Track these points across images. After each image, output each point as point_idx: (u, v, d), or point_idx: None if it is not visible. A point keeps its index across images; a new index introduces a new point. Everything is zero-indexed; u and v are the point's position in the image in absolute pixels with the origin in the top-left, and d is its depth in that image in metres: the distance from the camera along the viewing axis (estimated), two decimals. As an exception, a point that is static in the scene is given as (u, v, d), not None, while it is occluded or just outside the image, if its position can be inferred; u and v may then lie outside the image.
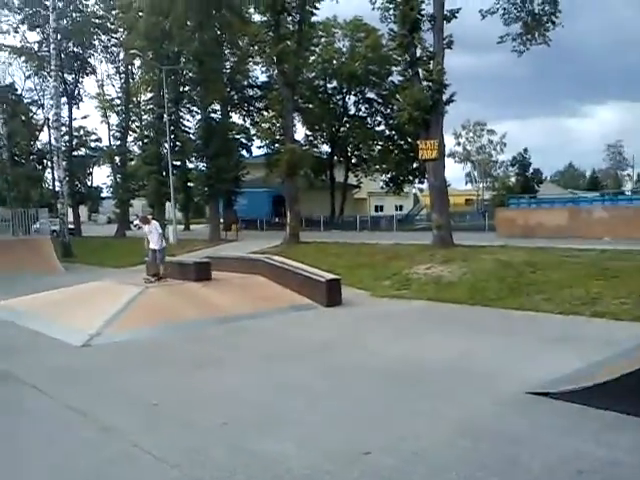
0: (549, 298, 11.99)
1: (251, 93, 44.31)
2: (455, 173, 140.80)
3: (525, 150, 57.12)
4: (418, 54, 20.31)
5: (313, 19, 28.63)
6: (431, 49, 20.18)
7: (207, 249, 24.95)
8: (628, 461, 4.81)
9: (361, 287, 15.30)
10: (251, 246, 23.84)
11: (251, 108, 44.62)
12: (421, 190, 62.13)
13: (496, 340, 9.47)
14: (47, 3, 34.12)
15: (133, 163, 42.50)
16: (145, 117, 40.62)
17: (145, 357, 9.08)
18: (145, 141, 38.03)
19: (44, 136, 47.89)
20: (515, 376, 7.21)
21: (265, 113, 44.95)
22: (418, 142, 21.02)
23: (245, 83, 42.86)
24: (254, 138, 44.42)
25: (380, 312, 12.61)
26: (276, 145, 34.95)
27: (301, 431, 5.65)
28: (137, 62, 38.58)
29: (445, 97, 20.38)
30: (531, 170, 56.75)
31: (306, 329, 11.09)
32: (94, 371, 8.29)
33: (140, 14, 32.67)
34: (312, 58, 39.91)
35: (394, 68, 38.45)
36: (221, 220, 34.47)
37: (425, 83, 20.21)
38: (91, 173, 55.43)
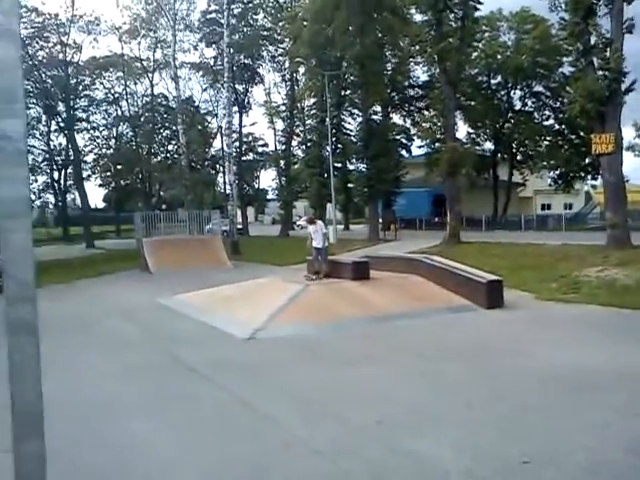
0: None
1: (412, 93, 44.22)
2: (635, 167, 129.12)
3: None
4: (592, 42, 19.05)
5: (477, 14, 27.93)
6: (607, 35, 18.76)
7: (365, 248, 25.29)
8: None
9: (525, 289, 14.57)
10: (409, 246, 23.76)
11: (411, 108, 44.51)
12: (594, 187, 57.62)
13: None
14: (222, 21, 36.70)
15: (296, 166, 44.39)
16: (308, 122, 42.31)
17: (304, 352, 9.40)
18: (308, 145, 39.53)
19: (217, 143, 51.77)
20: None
21: (426, 112, 44.56)
22: (592, 136, 19.68)
23: (406, 83, 42.86)
24: (414, 138, 44.28)
25: (545, 316, 11.92)
26: (437, 144, 34.51)
27: (457, 434, 5.51)
28: (301, 69, 40.30)
29: (624, 86, 18.84)
30: None
31: (464, 330, 10.79)
32: (257, 363, 8.73)
33: (305, 23, 34.03)
34: (475, 54, 38.82)
35: (565, 59, 36.10)
36: (380, 220, 34.72)
37: (600, 72, 18.86)
38: (258, 176, 59.00)
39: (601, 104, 18.45)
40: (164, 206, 48.42)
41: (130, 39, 46.00)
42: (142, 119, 49.80)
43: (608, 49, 18.74)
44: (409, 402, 6.56)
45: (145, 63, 47.90)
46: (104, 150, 50.80)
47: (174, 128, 45.91)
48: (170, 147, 51.26)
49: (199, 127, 48.22)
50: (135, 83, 49.28)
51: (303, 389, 7.20)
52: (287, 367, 8.45)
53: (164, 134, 51.44)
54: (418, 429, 5.66)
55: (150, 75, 48.58)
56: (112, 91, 49.03)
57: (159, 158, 51.76)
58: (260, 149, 55.30)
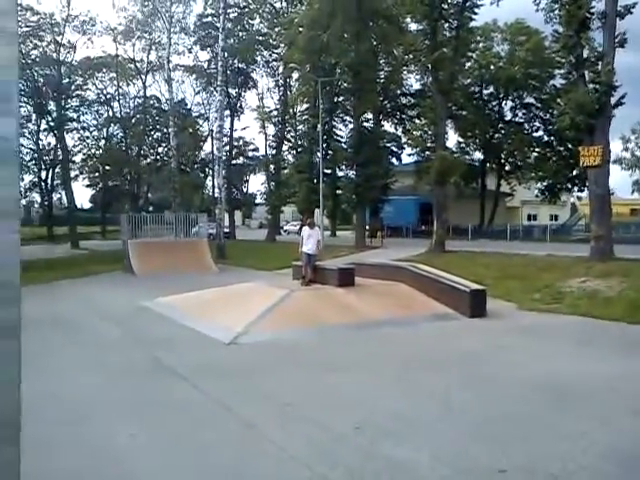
0: None
1: (404, 101, 44.40)
2: (621, 181, 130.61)
3: None
4: (584, 55, 19.23)
5: (471, 24, 28.12)
6: (599, 49, 18.99)
7: (352, 255, 25.34)
8: None
9: (508, 299, 14.66)
10: (395, 253, 23.81)
11: (403, 116, 44.67)
12: (580, 199, 58.20)
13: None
14: (217, 25, 36.72)
15: (286, 171, 44.38)
16: (300, 127, 42.37)
17: (286, 357, 9.40)
18: (299, 150, 39.59)
19: (207, 146, 51.75)
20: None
21: (417, 121, 44.78)
22: (580, 148, 19.88)
23: (398, 91, 43.03)
24: (405, 146, 44.46)
25: (527, 326, 12.00)
26: (427, 152, 34.77)
27: (436, 442, 5.54)
28: (295, 75, 40.36)
29: (613, 100, 19.05)
30: None
31: (447, 339, 10.86)
32: (238, 368, 8.73)
33: (300, 29, 34.10)
34: (468, 64, 39.12)
35: (556, 71, 36.42)
36: (367, 227, 34.81)
37: (591, 86, 19.07)
38: (247, 180, 58.95)
39: (590, 117, 18.64)
40: (151, 208, 48.21)
41: (125, 40, 45.93)
42: (133, 120, 49.65)
43: (600, 62, 18.94)
44: (389, 409, 6.58)
45: (139, 64, 47.85)
46: (93, 150, 50.64)
47: (165, 130, 45.87)
48: (160, 149, 51.21)
49: (190, 130, 48.14)
50: (128, 84, 49.21)
51: (283, 394, 7.20)
52: (268, 372, 8.44)
53: (155, 136, 51.32)
54: (397, 436, 5.68)
55: (143, 77, 48.53)
56: (104, 92, 48.97)
57: (149, 160, 51.61)
58: (250, 153, 55.33)
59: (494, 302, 13.84)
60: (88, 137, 49.52)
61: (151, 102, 50.09)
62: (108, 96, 49.10)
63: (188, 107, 50.14)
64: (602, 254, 18.16)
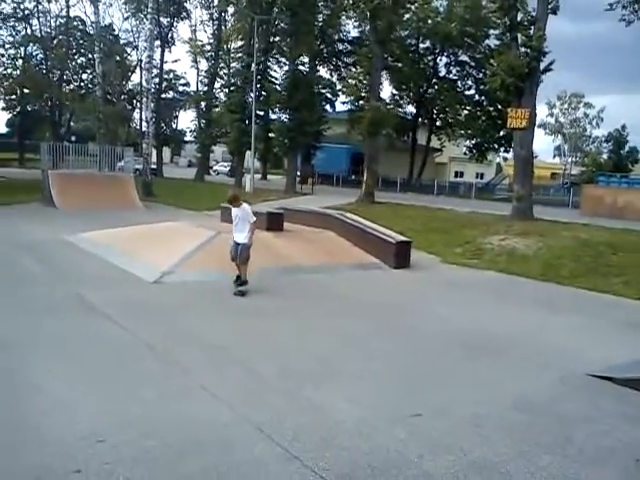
0: (628, 282, 11.48)
1: (341, 47, 43.66)
2: (544, 145, 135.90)
3: (623, 127, 54.26)
4: (519, 18, 19.41)
5: (413, -24, 27.64)
6: (533, 13, 19.21)
7: (282, 200, 25.23)
8: (691, 457, 4.61)
9: (432, 252, 15.10)
10: (325, 201, 23.91)
11: (339, 63, 44.06)
12: (505, 159, 60.18)
13: (565, 319, 9.19)
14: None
15: (218, 110, 43.19)
16: (233, 65, 41.05)
17: (212, 299, 9.36)
18: (231, 89, 38.45)
19: (135, 77, 49.46)
20: (581, 357, 7.01)
21: (353, 69, 44.29)
22: (508, 110, 20.32)
23: (336, 37, 42.26)
24: (339, 93, 43.99)
25: (447, 279, 12.45)
26: (360, 102, 34.55)
27: (356, 386, 5.72)
28: (231, 9, 38.80)
29: (542, 65, 19.48)
30: (627, 148, 53.81)
31: (371, 288, 11.11)
32: (162, 307, 8.63)
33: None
34: (407, 16, 38.72)
35: (492, 31, 36.75)
36: (298, 173, 34.65)
37: (523, 49, 19.35)
38: (177, 116, 57.04)
39: (520, 80, 19.02)
40: (74, 138, 45.82)
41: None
42: (55, 42, 46.49)
43: (532, 27, 19.22)
44: (313, 354, 6.72)
45: (62, -21, 44.42)
46: (10, 70, 47.22)
47: (90, 56, 43.32)
48: (85, 76, 48.59)
49: (117, 58, 45.60)
50: (49, 1, 45.71)
51: (208, 336, 7.20)
52: (193, 313, 8.40)
53: (79, 61, 48.49)
54: (319, 380, 5.81)
55: (66, -7, 45.20)
56: (22, 6, 45.23)
57: (72, 86, 48.81)
58: (181, 88, 53.50)
59: (418, 254, 14.23)
60: (3, 55, 46.17)
61: (75, 23, 46.98)
62: (26, 12, 45.44)
63: (116, 33, 47.53)
64: (522, 214, 18.91)
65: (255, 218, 9.52)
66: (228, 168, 52.10)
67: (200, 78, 45.22)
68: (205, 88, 43.78)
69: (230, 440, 4.44)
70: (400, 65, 42.12)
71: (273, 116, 38.70)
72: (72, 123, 54.21)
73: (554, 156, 73.63)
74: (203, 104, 43.76)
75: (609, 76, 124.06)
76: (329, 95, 42.74)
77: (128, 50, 48.97)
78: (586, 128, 68.39)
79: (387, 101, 39.66)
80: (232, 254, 9.60)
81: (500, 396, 5.70)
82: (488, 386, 5.99)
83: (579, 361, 6.78)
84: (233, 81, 38.53)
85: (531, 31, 19.19)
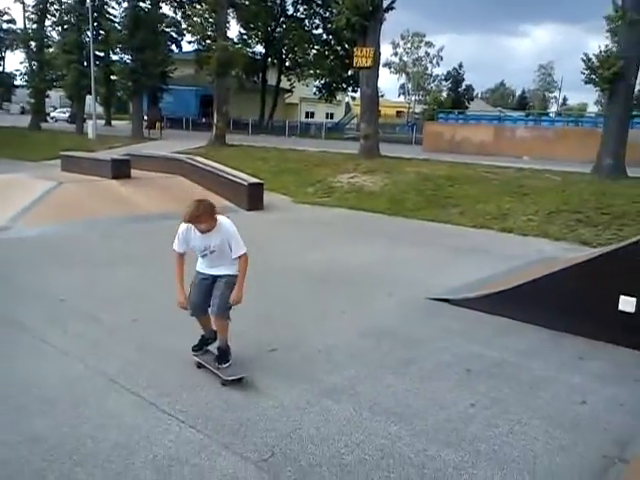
0: (463, 212, 12.45)
1: (184, -18, 41.55)
2: (389, 84, 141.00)
3: (460, 65, 57.39)
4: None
5: None
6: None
7: (129, 146, 24.09)
8: (512, 361, 5.22)
9: (284, 193, 15.31)
10: (175, 146, 23.17)
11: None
12: (353, 99, 61.41)
13: (409, 249, 9.81)
14: None
15: (51, 50, 39.57)
16: (65, 0, 37.60)
17: (56, 253, 8.85)
18: (65, 27, 35.42)
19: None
20: (423, 283, 7.57)
21: (198, 6, 42.36)
22: (354, 49, 20.63)
23: (178, -29, 40.05)
24: (185, 33, 42.04)
25: (301, 218, 12.73)
26: (207, 41, 33.39)
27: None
28: None
29: (385, 3, 19.88)
30: (464, 86, 57.14)
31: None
32: (1, 265, 8.03)
33: None
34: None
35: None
36: (145, 117, 33.12)
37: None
38: (2, 57, 51.61)
39: (365, 18, 19.33)
40: None
41: None
42: None
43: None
44: (165, 302, 6.59)
45: None
46: None
47: None
48: None
49: None
50: None
51: (54, 290, 6.83)
52: (36, 268, 7.90)
53: None
54: (169, 327, 5.75)
55: None
56: None
57: None
58: (5, 25, 48.24)
59: (271, 195, 14.37)
60: None
61: None
62: None
63: None
64: (369, 152, 19.60)
65: (246, 249, 4.69)
66: (67, 114, 48.47)
67: (27, 14, 40.96)
68: (34, 26, 39.78)
69: (82, 395, 4.31)
70: (247, 2, 40.99)
71: (114, 57, 36.28)
72: None
73: (399, 95, 76.62)
74: (33, 44, 39.85)
75: (447, 16, 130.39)
76: (174, 34, 40.84)
77: None
78: (427, 67, 71.65)
79: (235, 40, 38.69)
80: (194, 300, 4.78)
81: (348, 325, 6.02)
82: (337, 317, 6.30)
83: (420, 287, 7.33)
84: (66, 18, 35.45)
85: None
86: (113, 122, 44.30)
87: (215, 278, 4.74)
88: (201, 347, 4.98)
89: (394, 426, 3.99)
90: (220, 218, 4.60)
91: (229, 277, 4.67)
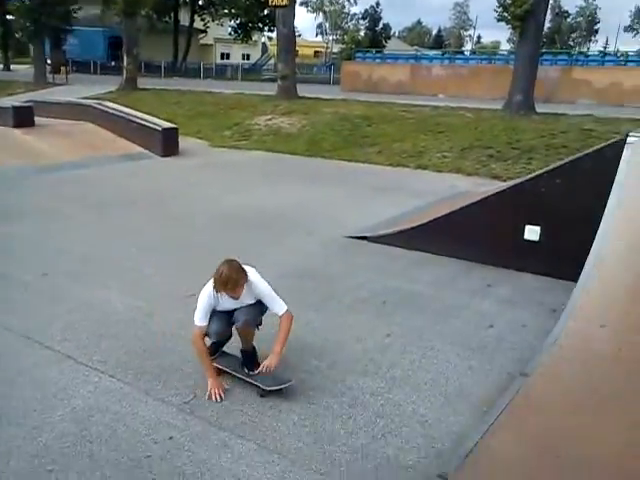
0: (380, 151, 12.61)
1: None
2: (306, 23, 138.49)
3: (377, 4, 56.77)
4: None
5: None
6: None
7: (31, 92, 22.65)
8: (426, 292, 5.45)
9: (200, 137, 14.97)
10: (82, 91, 21.99)
11: None
12: (270, 39, 60.03)
13: (327, 189, 9.90)
14: None
15: None
16: None
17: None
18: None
19: None
20: (341, 222, 7.68)
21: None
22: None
23: None
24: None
25: (218, 162, 12.53)
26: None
27: (127, 279, 5.62)
28: None
29: None
30: (381, 25, 56.79)
31: (140, 178, 10.76)
32: None
33: None
34: None
35: None
36: (48, 61, 31.15)
37: None
38: None
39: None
40: None
41: None
42: None
43: None
44: (79, 253, 6.41)
45: None
46: None
47: None
48: None
49: None
50: None
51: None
52: None
53: None
54: (87, 278, 5.61)
55: None
56: None
57: None
58: None
59: (187, 140, 14.01)
60: None
61: None
62: None
63: None
64: (287, 93, 19.32)
65: (286, 307, 3.94)
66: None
67: None
68: None
69: (-10, 353, 4.16)
70: None
71: (10, -6, 33.68)
72: None
73: (317, 34, 75.54)
74: None
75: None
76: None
77: None
78: (345, 5, 70.63)
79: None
80: (216, 328, 3.81)
81: (269, 266, 6.02)
82: (258, 259, 6.26)
83: (338, 226, 7.44)
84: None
85: None
86: (12, 67, 41.39)
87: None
88: (217, 349, 4.12)
89: (314, 360, 4.10)
90: (249, 274, 3.86)
91: (253, 304, 3.91)
